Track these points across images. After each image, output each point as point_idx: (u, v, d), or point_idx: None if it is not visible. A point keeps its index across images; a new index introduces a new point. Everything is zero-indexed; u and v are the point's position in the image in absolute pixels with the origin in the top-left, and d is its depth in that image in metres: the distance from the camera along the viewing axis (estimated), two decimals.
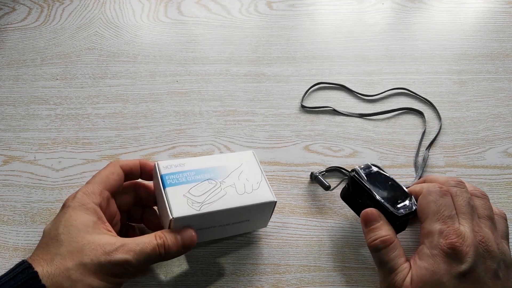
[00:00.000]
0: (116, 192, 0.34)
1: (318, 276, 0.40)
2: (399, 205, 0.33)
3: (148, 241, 0.29)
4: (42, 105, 0.52)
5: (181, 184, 0.34)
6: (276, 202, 0.35)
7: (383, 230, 0.32)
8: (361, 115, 0.50)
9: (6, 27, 0.59)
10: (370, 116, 0.50)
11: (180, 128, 0.50)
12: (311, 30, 0.58)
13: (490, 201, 0.44)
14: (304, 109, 0.51)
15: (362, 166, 0.37)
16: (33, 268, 0.26)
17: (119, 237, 0.30)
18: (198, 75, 0.54)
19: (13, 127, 0.50)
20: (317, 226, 0.42)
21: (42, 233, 0.44)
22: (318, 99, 0.52)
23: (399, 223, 0.33)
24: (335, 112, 0.50)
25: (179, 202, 0.32)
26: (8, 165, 0.47)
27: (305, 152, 0.47)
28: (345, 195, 0.38)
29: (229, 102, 0.52)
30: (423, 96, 0.51)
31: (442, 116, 0.49)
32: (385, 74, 0.53)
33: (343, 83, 0.52)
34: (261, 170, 0.37)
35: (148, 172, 0.36)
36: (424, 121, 0.49)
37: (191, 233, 0.32)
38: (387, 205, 0.33)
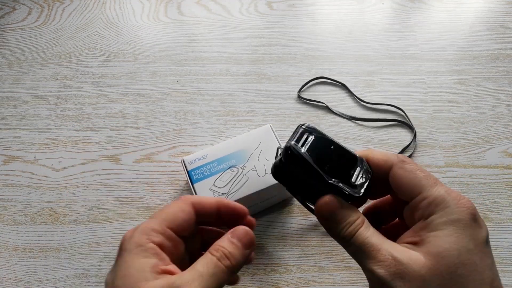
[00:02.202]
0: (184, 233, 0.28)
1: (318, 276, 0.40)
2: (353, 179, 0.26)
3: (206, 261, 0.25)
4: (42, 105, 0.52)
5: (206, 177, 0.38)
6: None
7: (350, 215, 0.25)
8: (352, 118, 0.50)
9: (6, 27, 0.59)
10: (361, 121, 0.50)
11: (180, 128, 0.50)
12: (311, 30, 0.58)
13: (490, 200, 0.44)
14: (300, 99, 0.51)
15: (296, 137, 0.27)
16: None
17: (179, 273, 0.25)
18: (198, 75, 0.54)
19: (13, 127, 0.50)
20: (317, 226, 0.42)
21: (42, 232, 0.44)
22: (317, 96, 0.52)
23: (363, 200, 0.28)
24: (328, 109, 0.50)
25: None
26: (8, 165, 0.47)
27: None
28: (279, 173, 0.28)
29: (229, 102, 0.52)
30: (415, 123, 0.51)
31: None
32: (385, 74, 0.53)
33: (344, 83, 0.52)
34: (280, 145, 0.39)
35: (229, 214, 0.29)
36: (413, 136, 0.49)
37: (243, 230, 0.27)
38: (344, 187, 0.26)
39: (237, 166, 0.38)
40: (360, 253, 0.24)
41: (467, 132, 0.49)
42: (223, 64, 0.55)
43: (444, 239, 0.22)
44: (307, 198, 0.28)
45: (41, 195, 0.45)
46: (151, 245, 0.26)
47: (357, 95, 0.51)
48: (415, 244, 0.23)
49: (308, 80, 0.52)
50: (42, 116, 0.51)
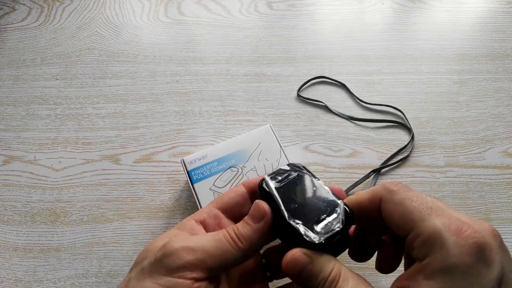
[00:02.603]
0: (233, 210, 0.28)
1: None
2: (320, 224, 0.23)
3: (214, 234, 0.25)
4: (42, 105, 0.52)
5: (206, 177, 0.38)
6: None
7: (322, 269, 0.22)
8: (351, 118, 0.50)
9: (6, 27, 0.59)
10: (359, 121, 0.50)
11: (180, 128, 0.50)
12: (311, 30, 0.58)
13: (490, 200, 0.44)
14: (300, 98, 0.51)
15: (275, 171, 0.27)
16: None
17: (179, 236, 0.25)
18: (198, 75, 0.54)
19: (13, 127, 0.50)
20: None
21: (42, 233, 0.44)
22: (317, 95, 0.52)
23: (328, 249, 0.23)
24: (328, 109, 0.50)
25: (207, 197, 0.36)
26: (8, 165, 0.47)
27: (305, 152, 0.47)
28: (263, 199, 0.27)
29: (229, 102, 0.52)
30: (413, 125, 0.51)
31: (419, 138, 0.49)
32: (385, 74, 0.53)
33: (344, 83, 0.52)
34: (280, 145, 0.39)
35: None
36: (410, 138, 0.49)
37: (253, 204, 0.25)
38: (303, 230, 0.23)
39: (237, 166, 0.38)
40: None
41: (467, 132, 0.49)
42: (223, 64, 0.55)
43: None
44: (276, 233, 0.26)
45: (41, 195, 0.45)
46: (191, 221, 0.27)
47: (357, 95, 0.51)
48: None
49: (308, 79, 0.52)
50: (42, 116, 0.51)
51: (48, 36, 0.58)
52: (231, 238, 0.24)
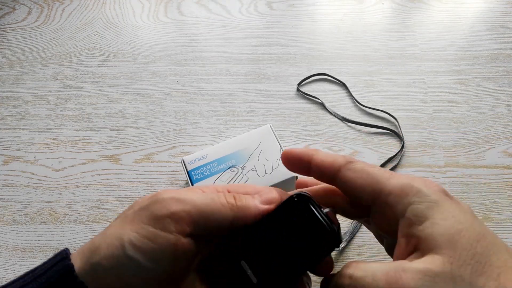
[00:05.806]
0: None
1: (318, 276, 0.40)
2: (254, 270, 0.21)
3: (210, 192, 0.24)
4: (42, 105, 0.52)
5: (206, 177, 0.38)
6: (297, 177, 0.37)
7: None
8: (345, 119, 0.50)
9: (6, 27, 0.59)
10: (353, 123, 0.49)
11: (180, 128, 0.50)
12: (311, 30, 0.58)
13: (490, 201, 0.44)
14: (299, 93, 0.51)
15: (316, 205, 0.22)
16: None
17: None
18: (198, 75, 0.54)
19: (13, 127, 0.50)
20: None
21: (42, 233, 0.44)
22: (317, 94, 0.51)
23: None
24: (323, 106, 0.50)
25: None
26: (8, 165, 0.47)
27: None
28: None
29: (229, 102, 0.52)
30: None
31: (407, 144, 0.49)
32: (385, 74, 0.53)
33: (344, 83, 0.52)
34: (280, 145, 0.39)
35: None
36: (401, 147, 0.49)
37: (268, 188, 0.24)
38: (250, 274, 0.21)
39: (237, 166, 0.38)
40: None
41: (467, 132, 0.49)
42: (223, 64, 0.55)
43: (444, 224, 0.19)
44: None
45: (41, 195, 0.45)
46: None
47: (357, 94, 0.51)
48: (417, 249, 0.19)
49: (310, 75, 0.52)
50: (42, 116, 0.51)
51: (48, 36, 0.58)
52: (227, 201, 0.23)
